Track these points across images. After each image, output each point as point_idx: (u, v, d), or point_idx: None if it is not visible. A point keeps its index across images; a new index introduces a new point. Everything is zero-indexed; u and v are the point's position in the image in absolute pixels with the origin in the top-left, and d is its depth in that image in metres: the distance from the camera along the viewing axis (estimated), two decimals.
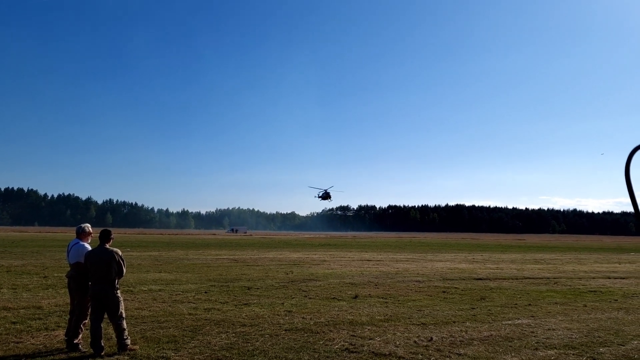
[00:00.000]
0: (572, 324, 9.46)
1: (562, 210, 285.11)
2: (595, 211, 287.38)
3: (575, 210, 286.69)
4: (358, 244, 57.41)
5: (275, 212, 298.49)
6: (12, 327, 8.09)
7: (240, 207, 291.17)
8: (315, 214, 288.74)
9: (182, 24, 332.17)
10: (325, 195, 68.87)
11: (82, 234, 7.23)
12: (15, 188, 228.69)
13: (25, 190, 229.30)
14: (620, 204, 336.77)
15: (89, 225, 7.44)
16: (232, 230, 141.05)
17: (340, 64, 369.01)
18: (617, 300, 13.10)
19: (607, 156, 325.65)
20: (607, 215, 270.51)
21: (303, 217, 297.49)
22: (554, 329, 8.91)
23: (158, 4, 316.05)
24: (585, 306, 11.85)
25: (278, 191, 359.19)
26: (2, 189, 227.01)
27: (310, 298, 12.11)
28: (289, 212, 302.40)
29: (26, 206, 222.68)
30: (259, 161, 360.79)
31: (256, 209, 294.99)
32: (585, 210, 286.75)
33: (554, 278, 18.62)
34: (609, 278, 19.36)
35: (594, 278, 19.16)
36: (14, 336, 7.50)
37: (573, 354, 7.16)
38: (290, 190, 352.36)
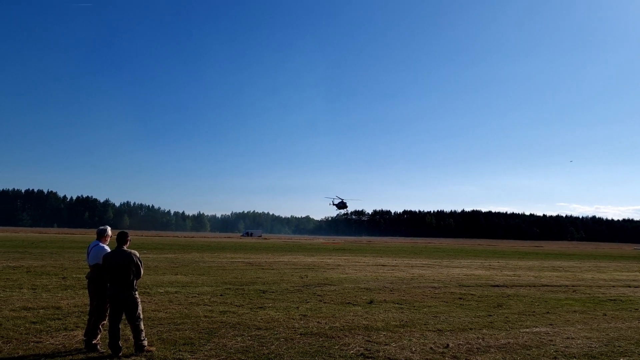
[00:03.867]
0: (592, 333, 9.30)
1: (580, 217, 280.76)
2: (615, 218, 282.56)
3: (594, 217, 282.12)
4: (373, 249, 57.20)
5: (290, 216, 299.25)
6: (31, 327, 8.22)
7: (256, 211, 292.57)
8: (330, 218, 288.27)
9: (196, 31, 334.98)
10: (342, 205, 68.53)
11: (103, 236, 7.33)
12: (35, 190, 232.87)
13: (45, 192, 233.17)
14: None
15: (109, 227, 7.55)
16: (247, 233, 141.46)
17: (353, 66, 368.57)
18: (637, 309, 12.84)
19: (627, 162, 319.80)
20: (627, 223, 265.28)
21: (318, 221, 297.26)
22: (573, 338, 8.77)
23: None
24: (605, 315, 11.64)
25: (293, 195, 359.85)
26: (23, 191, 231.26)
27: (325, 302, 12.10)
28: (303, 216, 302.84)
29: (46, 208, 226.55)
30: (275, 165, 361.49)
31: (271, 213, 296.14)
32: (604, 217, 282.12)
33: (573, 286, 18.33)
34: (630, 287, 18.99)
35: (614, 286, 18.82)
36: (34, 336, 7.62)
37: None
38: (305, 194, 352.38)
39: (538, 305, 12.92)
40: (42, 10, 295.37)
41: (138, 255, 6.91)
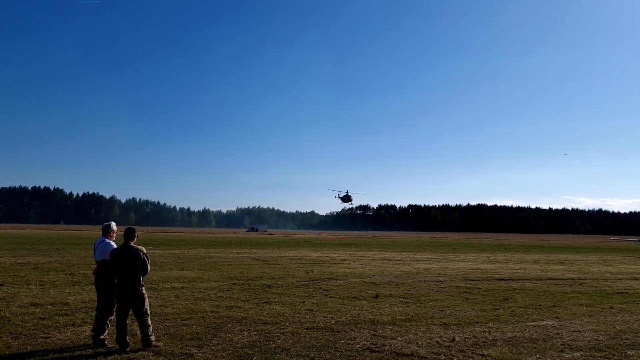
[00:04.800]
0: (599, 326, 9.27)
1: (586, 210, 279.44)
2: (621, 211, 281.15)
3: (600, 210, 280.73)
4: (378, 243, 57.21)
5: (295, 211, 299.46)
6: (40, 323, 8.29)
7: (261, 206, 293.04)
8: (334, 213, 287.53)
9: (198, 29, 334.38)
10: (347, 198, 68.45)
11: (108, 232, 7.37)
12: (42, 187, 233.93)
13: (52, 189, 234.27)
14: None
15: (114, 223, 7.58)
16: (252, 229, 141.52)
17: (357, 62, 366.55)
18: None
19: (633, 154, 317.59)
20: (634, 216, 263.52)
21: (323, 216, 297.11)
22: (579, 331, 8.75)
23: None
24: (612, 308, 11.60)
25: (298, 191, 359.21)
26: (30, 188, 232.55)
27: (330, 297, 12.12)
28: (308, 211, 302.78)
29: (52, 205, 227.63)
30: (279, 161, 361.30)
31: (276, 208, 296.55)
32: (610, 210, 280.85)
33: (579, 279, 18.27)
34: (637, 279, 18.90)
35: (620, 279, 18.74)
36: (42, 331, 7.68)
37: (600, 357, 7.03)
38: (310, 189, 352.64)
39: (544, 298, 12.89)
40: (45, 9, 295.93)
41: (145, 251, 6.94)
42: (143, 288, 6.85)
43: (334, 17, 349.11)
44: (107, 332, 7.01)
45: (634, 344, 7.90)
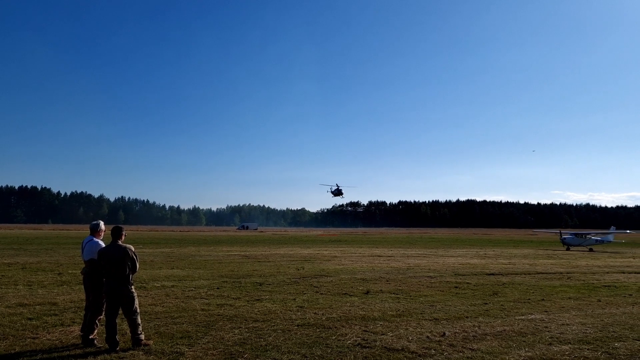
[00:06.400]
0: (587, 319, 9.38)
1: (574, 204, 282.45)
2: (609, 205, 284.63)
3: (588, 204, 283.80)
4: (369, 239, 57.39)
5: (285, 209, 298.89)
6: (28, 323, 8.21)
7: (251, 204, 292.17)
8: (325, 210, 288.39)
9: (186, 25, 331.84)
10: (337, 192, 68.48)
11: (96, 231, 7.31)
12: (29, 186, 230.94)
13: (39, 189, 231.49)
14: (634, 198, 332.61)
15: (102, 222, 7.51)
16: (243, 226, 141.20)
17: (346, 57, 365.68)
18: (632, 295, 12.97)
19: (620, 149, 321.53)
20: (621, 210, 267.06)
21: (313, 213, 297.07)
22: (568, 324, 8.85)
23: None
24: (600, 301, 11.74)
25: (288, 188, 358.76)
26: (17, 188, 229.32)
27: (321, 294, 12.14)
28: (299, 208, 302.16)
29: (40, 204, 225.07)
30: (269, 158, 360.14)
31: (266, 206, 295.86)
32: (598, 205, 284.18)
33: (567, 273, 18.48)
34: (624, 272, 19.16)
35: (608, 273, 18.98)
36: (31, 332, 7.60)
37: (588, 349, 7.10)
38: (301, 187, 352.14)
39: (533, 292, 13.01)
40: (31, 8, 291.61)
41: (133, 249, 6.89)
42: (132, 287, 6.81)
43: (322, 12, 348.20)
44: (96, 331, 6.95)
45: (622, 336, 8.00)
